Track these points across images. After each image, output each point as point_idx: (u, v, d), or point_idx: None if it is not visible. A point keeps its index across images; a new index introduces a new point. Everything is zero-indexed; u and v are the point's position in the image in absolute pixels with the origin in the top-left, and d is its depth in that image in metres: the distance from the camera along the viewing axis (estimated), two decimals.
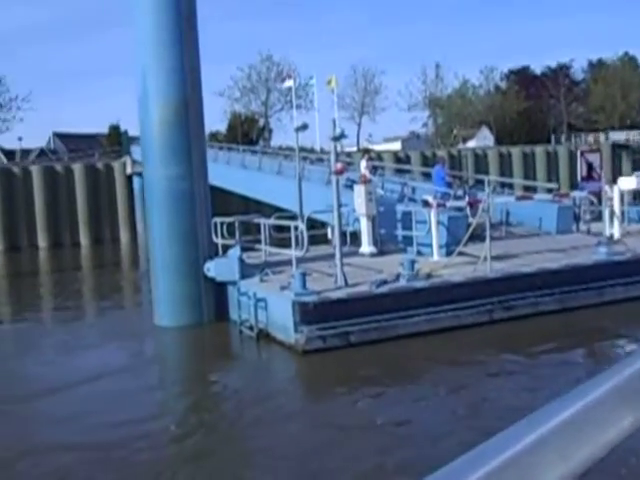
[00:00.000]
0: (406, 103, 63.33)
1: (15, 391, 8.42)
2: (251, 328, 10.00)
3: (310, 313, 8.85)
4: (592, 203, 15.38)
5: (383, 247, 14.41)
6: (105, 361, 9.84)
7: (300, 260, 11.16)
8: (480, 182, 22.07)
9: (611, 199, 13.91)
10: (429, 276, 10.71)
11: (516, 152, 45.54)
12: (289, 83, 50.47)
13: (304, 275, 9.40)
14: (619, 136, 51.94)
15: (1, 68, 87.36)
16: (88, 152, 51.16)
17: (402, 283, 10.12)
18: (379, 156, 41.26)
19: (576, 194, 15.89)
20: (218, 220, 13.43)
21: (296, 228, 10.63)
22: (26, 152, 68.40)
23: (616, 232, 14.09)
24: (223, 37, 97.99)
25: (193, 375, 8.91)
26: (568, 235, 14.94)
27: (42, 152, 67.14)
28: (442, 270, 11.17)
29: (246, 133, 58.45)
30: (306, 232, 10.16)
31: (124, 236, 34.90)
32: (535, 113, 65.74)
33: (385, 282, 10.10)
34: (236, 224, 13.18)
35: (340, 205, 10.16)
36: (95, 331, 12.15)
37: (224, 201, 33.39)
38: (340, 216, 10.16)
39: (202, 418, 7.11)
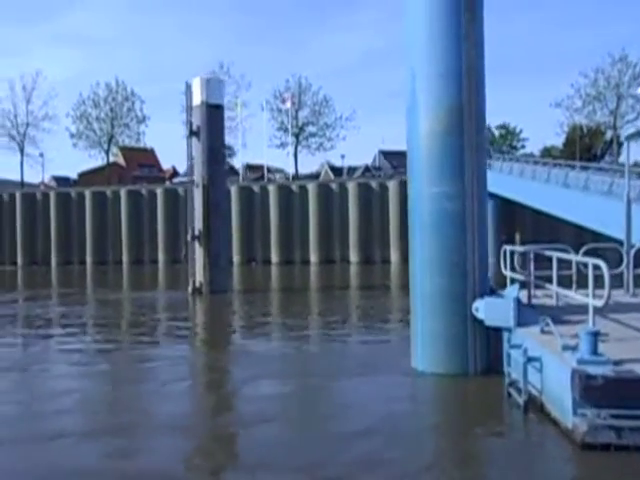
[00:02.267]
0: None
1: None
2: (519, 392, 7.63)
3: (598, 391, 6.14)
4: None
5: None
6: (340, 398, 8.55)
7: (604, 310, 8.41)
8: None
9: None
10: None
11: None
12: None
13: (596, 335, 6.68)
14: None
15: (328, 90, 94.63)
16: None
17: None
18: None
19: None
20: (508, 248, 11.45)
21: (596, 267, 7.88)
22: (352, 169, 72.60)
23: None
24: (564, 44, 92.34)
25: (429, 447, 6.88)
26: None
27: (367, 169, 70.55)
28: None
29: (588, 148, 53.02)
30: (608, 271, 7.35)
31: None
32: None
33: None
34: (531, 255, 10.81)
35: None
36: (345, 361, 10.94)
37: (552, 228, 30.34)
38: None
39: None
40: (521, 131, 61.76)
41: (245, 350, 12.29)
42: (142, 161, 70.77)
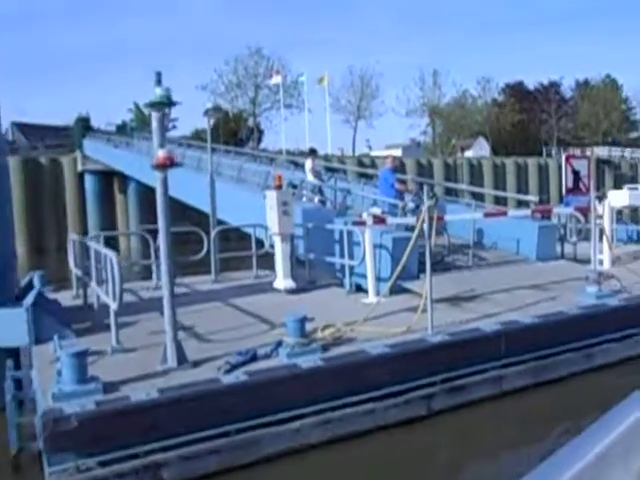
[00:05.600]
0: (404, 109, 61.23)
1: None
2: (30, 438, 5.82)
3: (75, 436, 4.72)
4: (579, 221, 12.70)
5: (313, 279, 10.85)
6: None
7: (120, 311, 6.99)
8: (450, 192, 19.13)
9: (600, 217, 11.25)
10: (336, 341, 6.83)
11: (510, 163, 44.95)
12: (277, 79, 47.41)
13: (81, 356, 5.30)
14: (602, 152, 54.26)
15: None
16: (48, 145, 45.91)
17: (280, 359, 6.19)
18: (373, 162, 38.67)
19: (561, 210, 12.85)
20: (75, 239, 9.81)
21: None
22: None
23: (606, 260, 11.40)
24: (215, 33, 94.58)
25: None
26: (550, 262, 11.80)
27: None
28: (362, 327, 7.29)
29: (234, 132, 53.98)
30: (118, 265, 6.08)
31: None
32: (528, 126, 68.17)
33: (253, 358, 6.15)
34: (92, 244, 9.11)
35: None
36: None
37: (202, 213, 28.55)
38: (167, 233, 6.03)
39: None
40: (170, 112, 60.51)
41: None
42: None
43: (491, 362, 7.12)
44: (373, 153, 54.24)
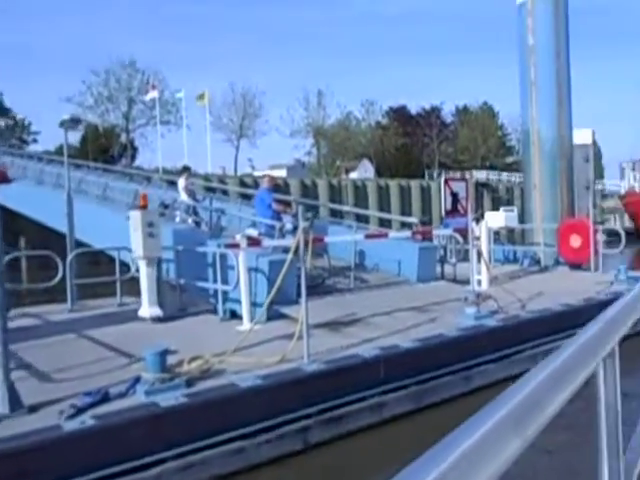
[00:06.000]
0: (288, 129, 61.03)
1: None
2: None
3: None
4: (458, 242, 12.81)
5: (184, 305, 10.09)
6: None
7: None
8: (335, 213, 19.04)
9: (478, 238, 11.29)
10: (203, 374, 6.22)
11: (393, 185, 45.95)
12: (153, 94, 45.25)
13: None
14: (481, 175, 57.16)
15: None
16: None
17: (137, 398, 5.49)
18: (255, 182, 37.99)
19: (440, 231, 13.19)
20: None
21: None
22: None
23: (484, 280, 11.59)
24: (85, 45, 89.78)
25: None
26: (431, 283, 11.85)
27: None
28: (233, 358, 6.73)
29: (105, 149, 50.85)
30: None
31: None
32: (412, 150, 69.98)
33: (105, 398, 5.41)
34: None
35: None
36: None
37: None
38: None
39: None
40: (30, 124, 56.12)
41: None
42: None
43: (371, 389, 6.80)
44: (256, 173, 53.38)
